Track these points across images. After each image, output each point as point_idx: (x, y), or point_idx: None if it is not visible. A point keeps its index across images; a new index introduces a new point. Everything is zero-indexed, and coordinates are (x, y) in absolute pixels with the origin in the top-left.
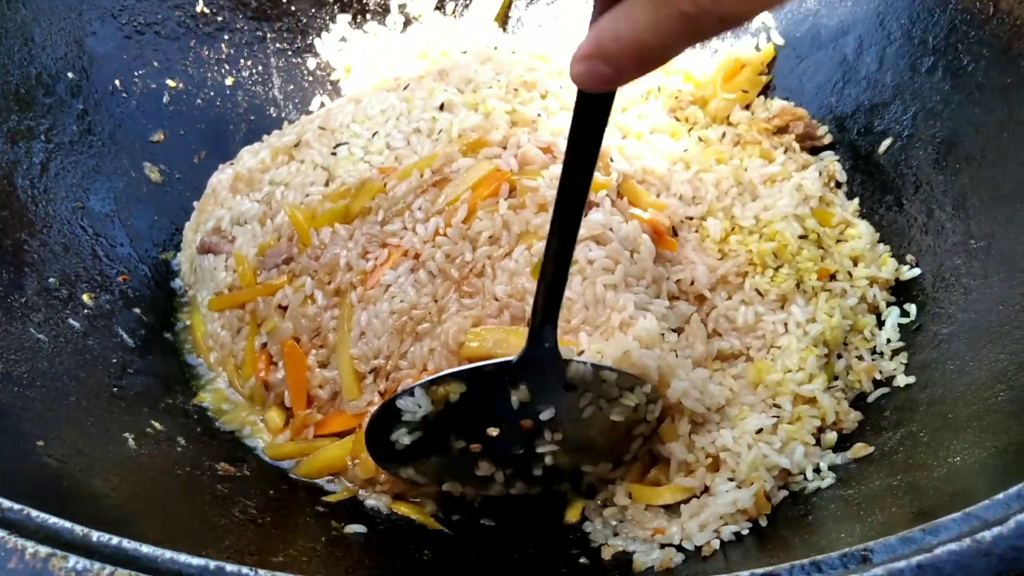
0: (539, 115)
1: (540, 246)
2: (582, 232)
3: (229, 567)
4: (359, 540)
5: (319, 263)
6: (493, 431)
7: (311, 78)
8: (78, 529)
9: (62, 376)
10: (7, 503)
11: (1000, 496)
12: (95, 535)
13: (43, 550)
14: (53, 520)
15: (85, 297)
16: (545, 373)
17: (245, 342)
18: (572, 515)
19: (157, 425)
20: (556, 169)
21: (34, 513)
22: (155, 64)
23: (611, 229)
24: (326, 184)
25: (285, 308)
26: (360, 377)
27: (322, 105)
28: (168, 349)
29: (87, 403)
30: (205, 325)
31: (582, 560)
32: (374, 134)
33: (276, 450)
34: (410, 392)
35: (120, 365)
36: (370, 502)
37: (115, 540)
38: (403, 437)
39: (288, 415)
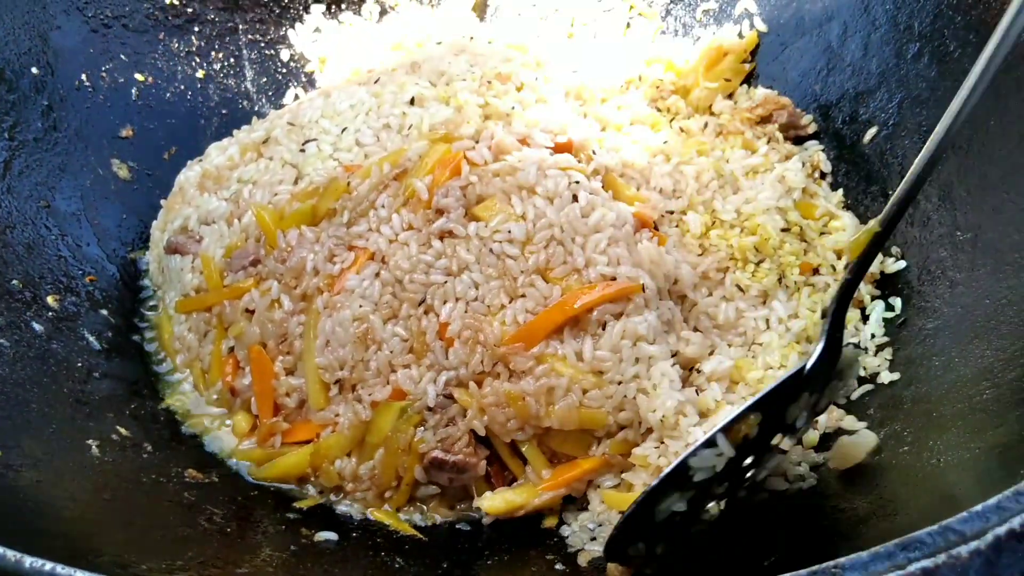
0: (513, 108)
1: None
2: None
3: None
4: (330, 548)
5: (286, 267)
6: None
7: (285, 70)
8: (10, 554)
9: (24, 383)
10: None
11: (979, 508)
12: (28, 561)
13: None
14: None
15: (50, 299)
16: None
17: (212, 346)
18: (549, 520)
19: (123, 431)
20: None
21: None
22: (123, 58)
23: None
24: (295, 182)
25: (252, 312)
26: (326, 387)
27: (296, 98)
28: (135, 352)
29: (49, 410)
30: (172, 327)
31: (558, 566)
32: (343, 130)
33: (245, 456)
34: (709, 444)
35: (85, 369)
36: (342, 508)
37: (48, 566)
38: (675, 504)
39: (255, 420)
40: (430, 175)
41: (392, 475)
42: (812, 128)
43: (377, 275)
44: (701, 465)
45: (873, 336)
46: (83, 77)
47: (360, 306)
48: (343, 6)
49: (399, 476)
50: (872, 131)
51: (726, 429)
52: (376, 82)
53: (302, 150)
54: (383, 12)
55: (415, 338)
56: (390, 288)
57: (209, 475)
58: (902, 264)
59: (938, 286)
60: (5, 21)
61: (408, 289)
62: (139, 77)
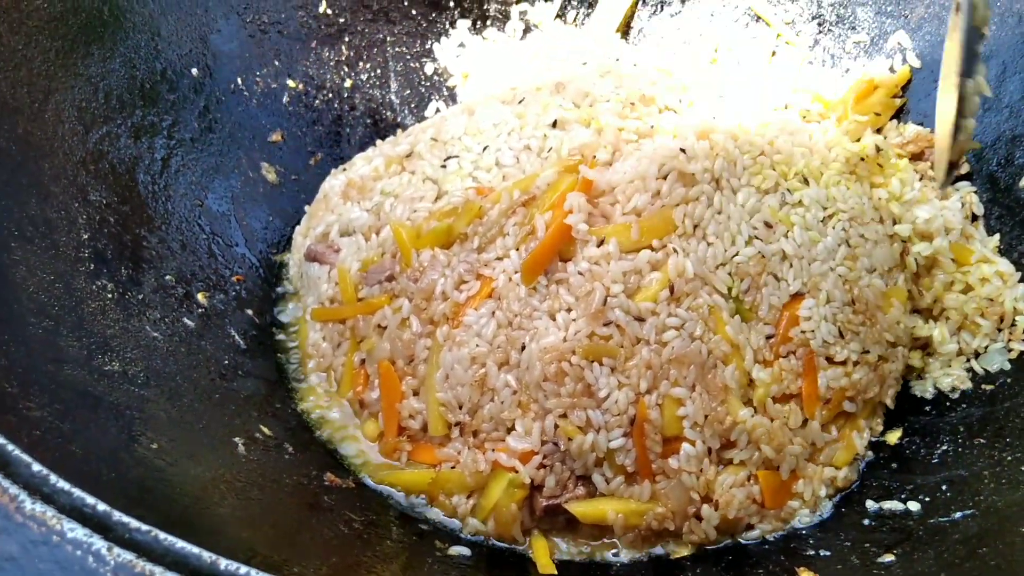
0: (652, 127)
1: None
2: None
3: None
4: (465, 563)
5: (417, 287)
6: None
7: (428, 83)
8: (206, 555)
9: (175, 376)
10: (135, 523)
11: None
12: (223, 563)
13: None
14: (180, 544)
15: (200, 296)
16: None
17: (345, 357)
18: (679, 550)
19: (265, 430)
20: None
21: (161, 536)
22: (276, 64)
23: None
24: (435, 199)
25: (384, 328)
26: (448, 425)
27: (437, 111)
28: (276, 352)
29: (199, 405)
30: (310, 332)
31: None
32: (484, 148)
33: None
34: None
35: (232, 367)
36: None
37: (243, 569)
38: None
39: (382, 431)
40: (551, 211)
41: (508, 539)
42: (964, 168)
43: (493, 314)
44: None
45: None
46: (238, 81)
47: (477, 345)
48: (488, 23)
49: (515, 540)
50: None
51: None
52: (521, 102)
53: (443, 166)
54: (527, 30)
55: (521, 390)
56: (504, 330)
57: (346, 480)
58: None
59: None
60: (170, 21)
61: (516, 334)
62: (291, 83)
